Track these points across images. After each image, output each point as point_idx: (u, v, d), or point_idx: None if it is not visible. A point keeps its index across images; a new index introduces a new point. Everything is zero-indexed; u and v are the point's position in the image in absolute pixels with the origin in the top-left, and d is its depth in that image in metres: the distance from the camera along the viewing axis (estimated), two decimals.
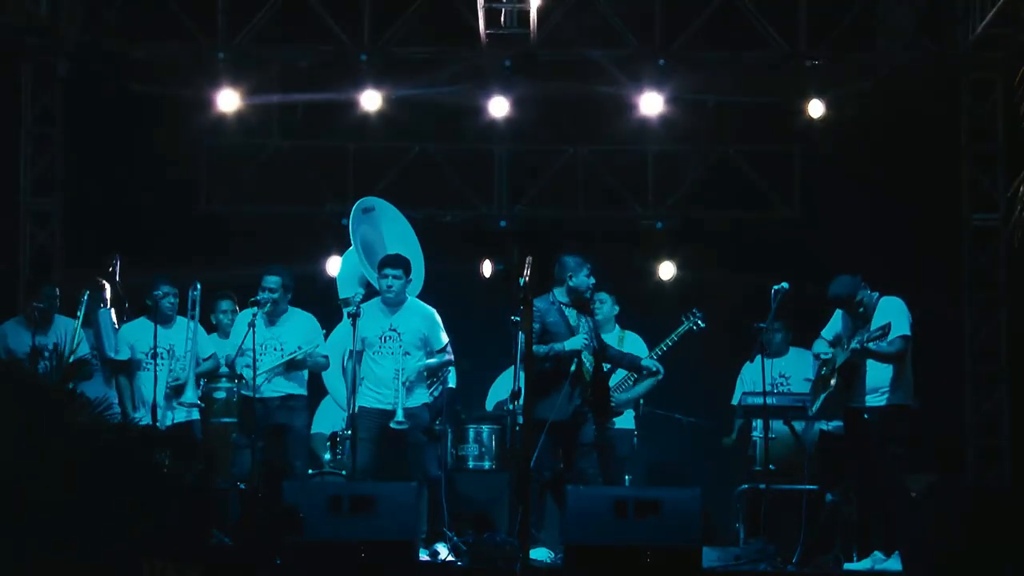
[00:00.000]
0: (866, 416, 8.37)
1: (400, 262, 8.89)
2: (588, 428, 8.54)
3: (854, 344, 8.30)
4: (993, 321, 10.62)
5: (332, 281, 10.82)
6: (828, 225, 10.99)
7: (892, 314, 8.30)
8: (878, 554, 8.30)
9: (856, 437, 8.47)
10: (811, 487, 8.84)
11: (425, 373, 8.86)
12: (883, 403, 8.35)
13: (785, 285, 8.65)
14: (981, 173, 10.73)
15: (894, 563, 8.16)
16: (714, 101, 11.07)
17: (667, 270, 11.33)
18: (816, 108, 10.56)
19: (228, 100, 10.63)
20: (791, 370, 9.65)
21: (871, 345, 8.23)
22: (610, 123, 11.25)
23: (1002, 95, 10.58)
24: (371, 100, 10.66)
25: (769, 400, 8.89)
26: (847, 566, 8.39)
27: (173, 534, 6.81)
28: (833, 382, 8.44)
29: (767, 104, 10.96)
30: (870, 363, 8.35)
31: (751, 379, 9.52)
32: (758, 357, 8.80)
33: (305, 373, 9.16)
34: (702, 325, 9.39)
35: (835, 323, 8.65)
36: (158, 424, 8.79)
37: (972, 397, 10.57)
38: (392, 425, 8.62)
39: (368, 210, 9.68)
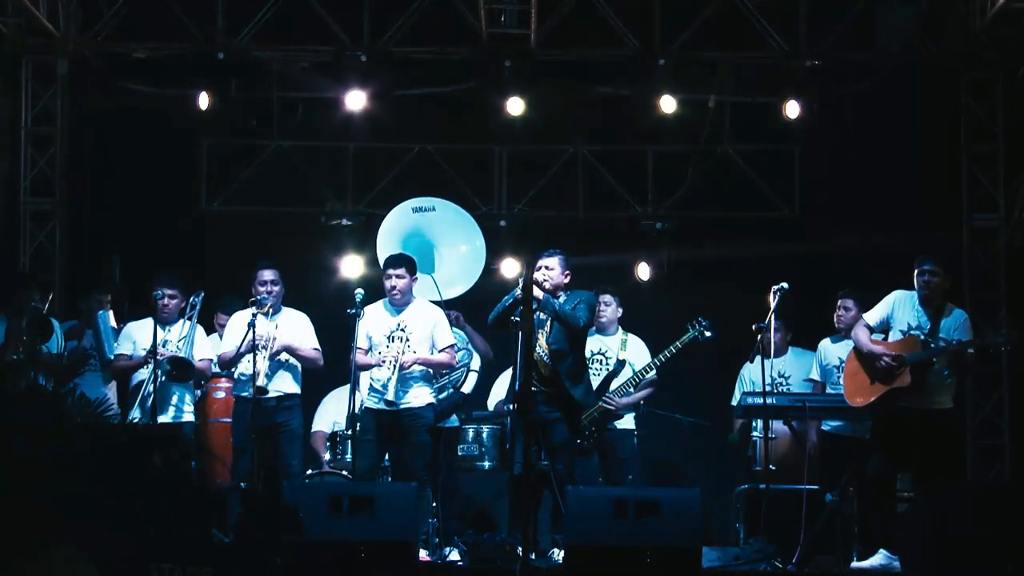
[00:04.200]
0: (938, 418, 8.33)
1: (403, 261, 8.88)
2: (560, 427, 8.51)
3: (952, 343, 8.26)
4: (993, 321, 10.61)
5: (331, 281, 10.88)
6: (828, 225, 10.99)
7: (968, 328, 8.36)
8: (884, 551, 8.30)
9: (920, 437, 8.32)
10: (811, 487, 8.83)
11: (430, 372, 8.85)
12: (950, 405, 8.38)
13: (785, 285, 8.64)
14: (981, 173, 10.74)
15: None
16: (714, 101, 11.07)
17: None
18: (793, 109, 10.56)
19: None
20: (791, 370, 9.66)
21: (971, 350, 8.26)
22: (610, 123, 11.25)
23: (1002, 95, 10.59)
24: (371, 99, 10.64)
25: (769, 400, 8.89)
26: (855, 564, 8.38)
27: (178, 535, 6.82)
28: (909, 380, 8.32)
29: (767, 104, 10.95)
30: (939, 363, 8.32)
31: (751, 379, 9.53)
32: (758, 357, 8.79)
33: (300, 372, 9.15)
34: (708, 335, 9.38)
35: (886, 308, 8.54)
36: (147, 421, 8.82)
37: (972, 397, 10.57)
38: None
39: (425, 209, 9.69)
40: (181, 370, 9.02)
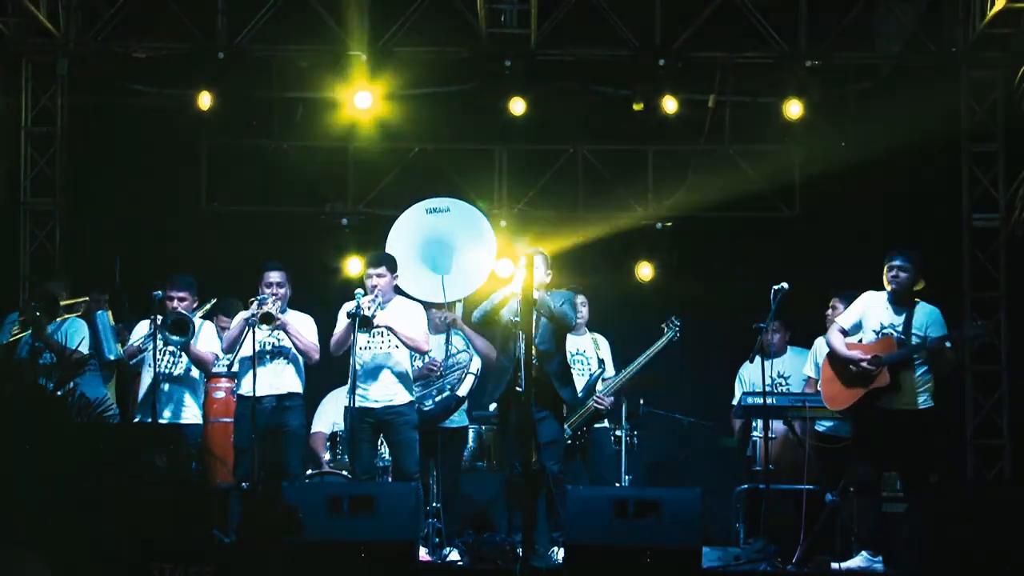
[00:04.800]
0: (918, 417, 8.30)
1: (381, 260, 8.86)
2: (548, 425, 8.50)
3: (932, 340, 8.23)
4: (993, 321, 10.62)
5: (331, 281, 10.88)
6: (828, 225, 10.99)
7: (943, 323, 8.32)
8: (866, 553, 8.31)
9: (902, 437, 8.29)
10: (811, 487, 8.83)
11: (409, 370, 8.82)
12: (932, 405, 8.34)
13: (785, 285, 8.64)
14: (981, 173, 10.74)
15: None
16: (714, 101, 11.07)
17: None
18: (793, 109, 10.58)
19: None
20: (790, 370, 9.66)
21: (948, 344, 8.23)
22: (610, 123, 11.25)
23: (1002, 95, 10.59)
24: (363, 100, 10.63)
25: (769, 400, 8.89)
26: (834, 565, 8.38)
27: (179, 535, 6.83)
28: (888, 379, 8.29)
29: (767, 104, 10.96)
30: (917, 362, 8.29)
31: (750, 379, 9.53)
32: (758, 357, 8.78)
33: (303, 371, 9.12)
34: (680, 335, 9.42)
35: (857, 309, 8.53)
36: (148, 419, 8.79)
37: (972, 397, 10.57)
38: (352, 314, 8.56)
39: (440, 211, 9.62)
40: (180, 328, 8.93)
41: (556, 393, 8.58)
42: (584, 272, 10.39)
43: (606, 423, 9.58)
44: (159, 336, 8.87)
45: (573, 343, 9.46)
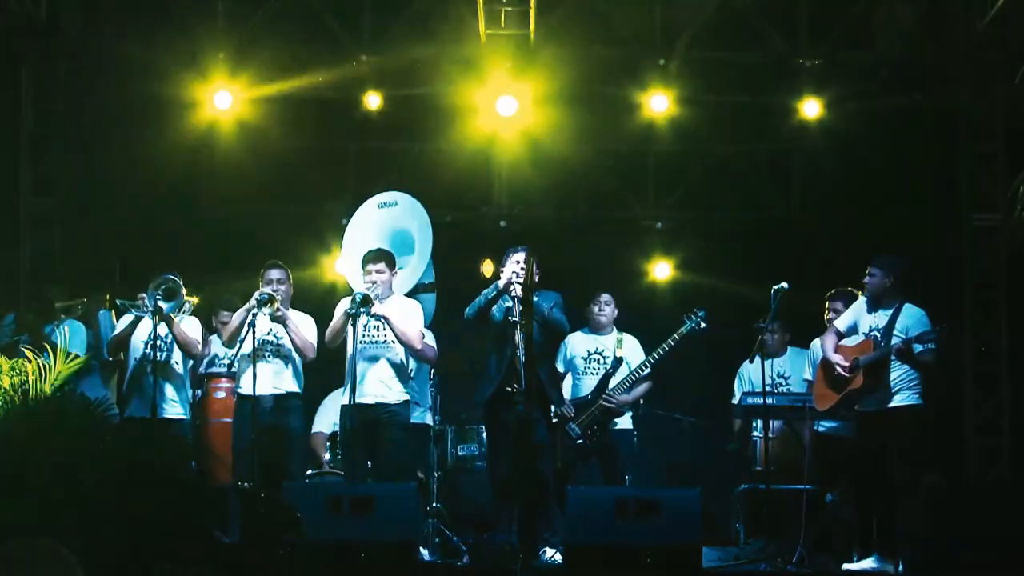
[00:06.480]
0: (892, 415, 8.29)
1: (383, 256, 8.84)
2: (539, 427, 8.47)
3: (897, 342, 8.25)
4: (993, 321, 10.62)
5: (330, 281, 10.87)
6: (828, 225, 10.99)
7: (926, 324, 8.31)
8: (877, 555, 8.29)
9: (885, 435, 8.31)
10: (811, 487, 8.83)
11: (406, 366, 8.78)
12: (914, 403, 8.32)
13: (785, 285, 8.64)
14: (981, 173, 10.74)
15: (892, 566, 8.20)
16: (714, 101, 11.07)
17: (662, 270, 11.35)
18: (811, 108, 10.57)
19: (227, 100, 10.64)
20: (790, 370, 9.66)
21: (917, 346, 8.22)
22: (610, 123, 11.25)
23: (1002, 95, 10.59)
24: (371, 100, 10.67)
25: (769, 400, 8.89)
26: (846, 566, 8.38)
27: (179, 536, 6.82)
28: (861, 381, 8.34)
29: (767, 104, 10.96)
30: (895, 363, 8.31)
31: (750, 379, 9.52)
32: (757, 357, 8.79)
33: (301, 371, 9.11)
34: (704, 326, 9.31)
35: (851, 313, 8.59)
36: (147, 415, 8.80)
37: (972, 397, 10.57)
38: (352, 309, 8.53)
39: (389, 204, 9.60)
40: (170, 294, 8.92)
41: (546, 395, 8.57)
42: (583, 272, 10.39)
43: (629, 424, 9.46)
44: (150, 301, 8.89)
45: (594, 343, 9.42)
